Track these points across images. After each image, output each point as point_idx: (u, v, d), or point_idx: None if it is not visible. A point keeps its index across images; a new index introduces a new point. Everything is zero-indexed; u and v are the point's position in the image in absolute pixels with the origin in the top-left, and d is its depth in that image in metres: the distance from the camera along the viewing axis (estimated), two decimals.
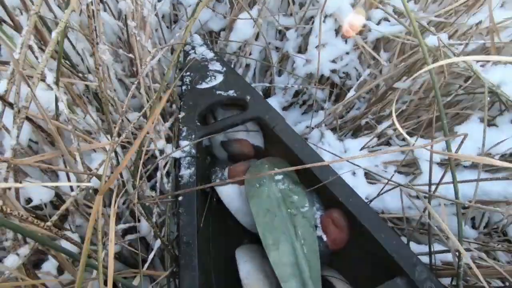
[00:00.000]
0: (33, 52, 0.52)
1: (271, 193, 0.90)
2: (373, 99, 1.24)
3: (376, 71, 1.21)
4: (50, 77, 0.51)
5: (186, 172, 0.92)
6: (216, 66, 1.11)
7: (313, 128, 1.27)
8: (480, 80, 0.81)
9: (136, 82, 0.57)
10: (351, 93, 1.18)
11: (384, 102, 1.18)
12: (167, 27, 1.53)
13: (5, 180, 0.48)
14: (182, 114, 0.99)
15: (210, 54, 1.14)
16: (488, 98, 0.80)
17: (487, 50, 0.85)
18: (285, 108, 1.51)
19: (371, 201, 1.01)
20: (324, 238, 0.88)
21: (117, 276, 0.60)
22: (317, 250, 0.83)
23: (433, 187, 0.82)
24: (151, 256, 0.83)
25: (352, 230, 0.88)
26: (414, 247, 0.95)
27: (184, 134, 0.97)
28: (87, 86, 0.74)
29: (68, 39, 0.70)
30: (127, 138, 0.79)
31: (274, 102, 1.41)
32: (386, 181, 0.95)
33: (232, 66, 1.40)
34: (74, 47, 0.74)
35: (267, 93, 1.50)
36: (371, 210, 0.85)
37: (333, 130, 1.28)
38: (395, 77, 1.11)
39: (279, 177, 0.93)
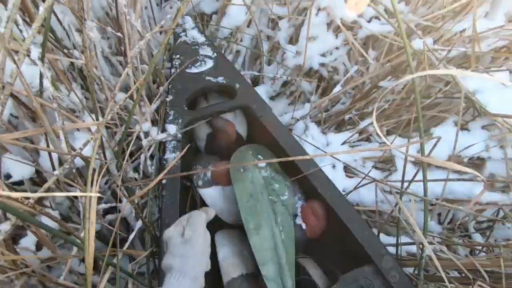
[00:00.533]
0: (17, 26, 0.50)
1: (255, 178, 0.92)
2: (358, 95, 1.27)
3: (363, 68, 1.24)
4: (35, 52, 0.50)
5: (171, 156, 0.93)
6: (207, 51, 1.10)
7: (298, 119, 1.30)
8: (458, 86, 0.85)
9: (128, 66, 0.56)
10: (338, 88, 1.21)
11: (368, 99, 1.22)
12: (157, 4, 1.49)
13: None
14: (170, 98, 0.99)
15: (201, 38, 1.13)
16: (464, 104, 0.85)
17: (468, 58, 0.90)
18: (272, 98, 1.52)
19: (347, 193, 1.06)
20: (303, 226, 0.92)
21: (98, 254, 0.61)
22: (293, 237, 0.87)
23: (406, 184, 0.88)
24: (131, 236, 0.84)
25: (329, 220, 0.92)
26: (383, 238, 1.02)
27: (171, 117, 0.97)
28: (71, 62, 0.72)
29: (54, 12, 0.67)
30: (112, 120, 0.79)
31: (262, 91, 1.42)
32: (363, 175, 0.99)
33: (223, 51, 1.39)
34: (59, 21, 0.71)
35: (256, 81, 1.50)
36: (346, 202, 0.90)
37: (317, 123, 1.31)
38: (380, 76, 1.14)
39: (263, 164, 0.95)
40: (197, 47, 1.11)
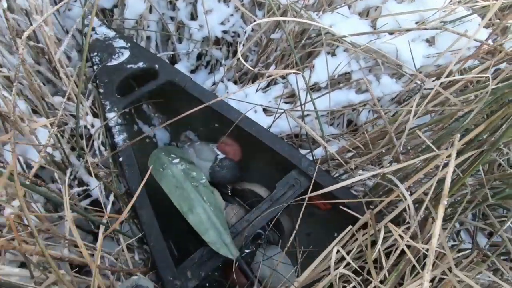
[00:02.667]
0: None
1: (175, 173, 1.08)
2: (259, 50, 1.55)
3: (257, 26, 1.50)
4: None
5: (119, 138, 1.11)
6: (120, 43, 1.24)
7: (218, 83, 1.54)
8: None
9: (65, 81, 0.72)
10: (240, 47, 1.46)
11: (268, 52, 1.50)
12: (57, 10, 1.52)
13: None
14: (101, 90, 1.13)
15: (111, 33, 1.26)
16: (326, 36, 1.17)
17: (321, 1, 1.21)
18: (192, 71, 1.72)
19: (269, 127, 1.36)
20: (225, 155, 1.21)
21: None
22: (222, 208, 1.08)
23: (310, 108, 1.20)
24: (109, 207, 1.03)
25: (245, 146, 1.20)
26: (303, 151, 1.36)
27: (108, 107, 1.13)
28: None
29: None
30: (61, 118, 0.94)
31: (182, 67, 1.61)
32: (276, 110, 1.30)
33: (134, 40, 1.52)
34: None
35: (173, 60, 1.67)
36: (268, 132, 1.19)
37: (236, 82, 1.57)
38: (270, 30, 1.42)
39: (177, 160, 1.10)
40: (110, 41, 1.24)
